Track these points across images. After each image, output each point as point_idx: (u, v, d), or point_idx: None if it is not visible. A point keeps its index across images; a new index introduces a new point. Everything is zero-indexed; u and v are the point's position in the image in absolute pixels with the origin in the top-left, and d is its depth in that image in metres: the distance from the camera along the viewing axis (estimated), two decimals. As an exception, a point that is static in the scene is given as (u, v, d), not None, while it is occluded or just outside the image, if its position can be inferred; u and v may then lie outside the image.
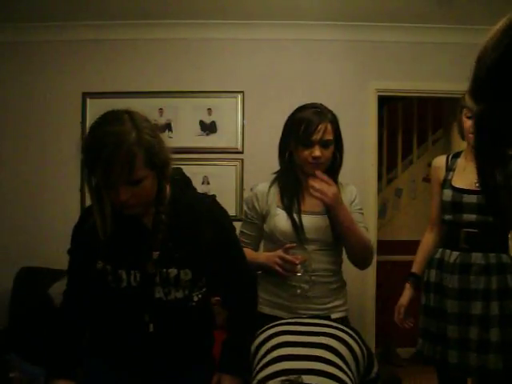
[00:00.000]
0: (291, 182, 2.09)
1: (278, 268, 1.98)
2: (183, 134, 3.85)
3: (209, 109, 3.86)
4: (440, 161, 2.47)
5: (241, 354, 1.68)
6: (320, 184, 1.94)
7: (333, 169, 2.09)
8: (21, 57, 3.82)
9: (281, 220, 2.06)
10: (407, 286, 2.47)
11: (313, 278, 2.02)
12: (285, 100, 3.80)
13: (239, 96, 3.85)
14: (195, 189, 1.73)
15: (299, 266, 1.97)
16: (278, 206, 2.09)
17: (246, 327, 1.72)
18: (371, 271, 3.76)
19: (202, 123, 3.86)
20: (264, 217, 2.11)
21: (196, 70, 3.85)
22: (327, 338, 1.65)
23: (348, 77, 3.85)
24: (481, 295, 2.20)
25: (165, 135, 3.83)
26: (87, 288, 1.62)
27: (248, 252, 2.16)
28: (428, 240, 2.50)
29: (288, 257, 1.96)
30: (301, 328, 1.72)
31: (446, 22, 3.70)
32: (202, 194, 1.80)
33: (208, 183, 3.85)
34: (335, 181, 2.10)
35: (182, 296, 1.58)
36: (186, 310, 1.60)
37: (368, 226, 2.22)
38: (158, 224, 1.55)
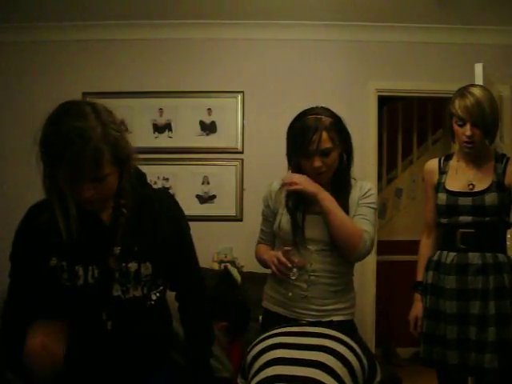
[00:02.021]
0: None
1: (273, 268, 1.98)
2: (183, 134, 3.85)
3: (209, 109, 3.86)
4: (432, 164, 2.44)
5: (202, 361, 1.70)
6: (289, 178, 1.97)
7: (340, 170, 2.06)
8: (21, 57, 3.82)
9: (284, 219, 2.07)
10: (417, 296, 2.42)
11: (312, 278, 2.00)
12: (285, 100, 3.81)
13: (239, 96, 3.85)
14: (150, 184, 1.68)
15: (294, 270, 1.94)
16: (284, 206, 2.11)
17: (201, 332, 1.71)
18: (371, 271, 3.76)
19: (202, 123, 3.86)
20: (275, 215, 2.13)
21: (196, 70, 3.85)
22: (324, 354, 1.57)
23: (348, 77, 3.85)
24: (479, 295, 2.20)
25: (165, 135, 3.84)
26: (35, 294, 1.50)
27: (260, 248, 2.21)
28: (427, 246, 2.46)
29: (283, 259, 1.93)
30: (298, 340, 1.66)
31: (446, 22, 3.71)
32: (158, 188, 1.75)
33: (208, 183, 3.85)
34: (347, 179, 2.08)
35: (141, 294, 1.51)
36: (144, 309, 1.54)
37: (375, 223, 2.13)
38: (117, 218, 1.49)
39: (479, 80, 2.86)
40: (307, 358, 1.56)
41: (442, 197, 2.31)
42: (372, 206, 2.10)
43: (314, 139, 1.93)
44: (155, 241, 1.54)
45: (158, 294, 1.58)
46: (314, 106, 2.08)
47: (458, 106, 2.22)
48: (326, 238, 2.01)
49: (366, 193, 2.10)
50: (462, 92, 2.25)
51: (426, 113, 5.41)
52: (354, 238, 1.98)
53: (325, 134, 1.95)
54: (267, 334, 1.72)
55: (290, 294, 2.00)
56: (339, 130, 2.01)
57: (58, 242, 1.43)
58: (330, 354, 1.57)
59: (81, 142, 1.31)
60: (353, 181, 2.11)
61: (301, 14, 3.69)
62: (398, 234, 5.00)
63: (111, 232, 1.49)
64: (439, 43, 3.80)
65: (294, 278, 1.96)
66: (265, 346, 1.65)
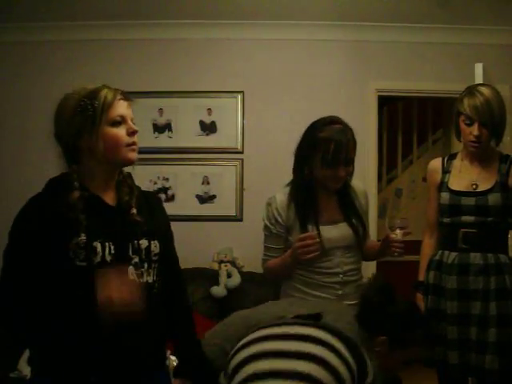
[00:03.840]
0: (309, 198, 2.12)
1: (299, 252, 2.00)
2: (183, 134, 3.85)
3: (209, 109, 3.86)
4: (436, 164, 2.44)
5: (197, 357, 1.71)
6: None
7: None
8: (21, 57, 3.82)
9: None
10: (419, 296, 2.42)
11: (344, 278, 2.10)
12: (285, 100, 3.81)
13: (239, 96, 3.85)
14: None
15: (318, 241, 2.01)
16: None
17: (192, 325, 1.74)
18: (371, 271, 3.76)
19: (202, 123, 3.86)
20: (288, 229, 2.13)
21: (196, 70, 3.85)
22: (309, 364, 1.49)
23: (348, 77, 3.85)
24: (480, 295, 2.20)
25: (165, 135, 3.85)
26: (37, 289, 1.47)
27: (273, 261, 2.18)
28: (430, 246, 2.47)
29: (304, 235, 2.01)
30: (281, 345, 1.57)
31: (446, 21, 3.71)
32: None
33: (208, 183, 3.85)
34: (349, 185, 2.18)
35: (152, 281, 1.57)
36: (151, 296, 1.57)
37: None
38: (131, 193, 1.58)
39: (479, 80, 2.86)
40: (291, 368, 1.49)
41: (445, 196, 2.31)
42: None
43: (346, 149, 2.01)
44: (156, 224, 1.63)
45: (157, 285, 1.61)
46: (327, 115, 2.12)
47: (466, 104, 2.20)
48: (348, 243, 2.12)
49: (368, 199, 2.28)
50: (471, 91, 2.23)
51: (426, 113, 5.42)
52: None
53: (352, 144, 2.04)
54: (249, 337, 1.64)
55: (340, 291, 2.09)
56: (355, 139, 2.10)
57: (80, 219, 1.46)
58: (316, 364, 1.49)
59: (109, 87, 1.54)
60: (352, 184, 2.21)
61: (301, 14, 3.69)
62: (398, 233, 4.99)
63: (125, 208, 1.56)
64: (439, 43, 3.80)
65: (318, 252, 2.02)
66: (247, 355, 1.57)
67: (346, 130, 2.04)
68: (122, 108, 1.53)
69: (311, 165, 2.07)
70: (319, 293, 2.09)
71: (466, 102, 2.21)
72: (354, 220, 2.13)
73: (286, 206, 2.12)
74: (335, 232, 2.11)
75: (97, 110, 1.48)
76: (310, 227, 2.07)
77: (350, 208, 2.15)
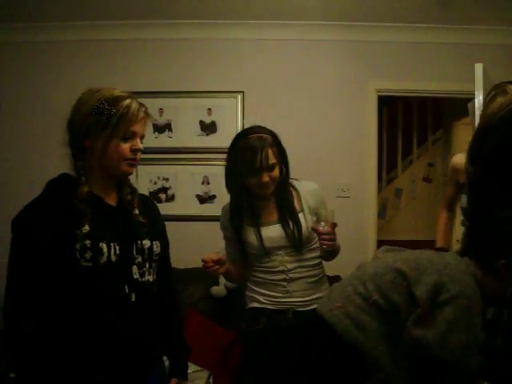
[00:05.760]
0: (243, 203, 2.25)
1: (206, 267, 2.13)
2: (183, 134, 3.85)
3: (209, 109, 3.86)
4: (462, 161, 2.37)
5: (186, 359, 1.79)
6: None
7: (281, 180, 2.20)
8: (21, 57, 3.82)
9: (246, 235, 2.21)
10: None
11: (290, 275, 2.18)
12: (285, 100, 3.81)
13: (239, 96, 3.85)
14: None
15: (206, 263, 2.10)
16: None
17: (181, 325, 1.84)
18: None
19: (202, 123, 3.86)
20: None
21: (196, 70, 3.85)
22: None
23: (348, 77, 3.85)
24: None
25: (165, 135, 3.85)
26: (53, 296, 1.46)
27: None
28: (446, 217, 2.51)
29: (205, 257, 2.12)
30: None
31: (446, 22, 3.71)
32: None
33: (208, 183, 3.85)
34: (286, 188, 2.23)
35: (152, 280, 1.61)
36: (151, 294, 1.62)
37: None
38: (133, 195, 1.62)
39: (479, 80, 2.85)
40: None
41: (465, 199, 2.27)
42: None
43: (262, 156, 2.09)
44: (155, 225, 1.68)
45: (155, 284, 1.65)
46: (250, 126, 2.22)
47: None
48: (283, 243, 2.17)
49: (320, 197, 2.25)
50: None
51: (426, 113, 5.42)
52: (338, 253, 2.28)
53: (270, 150, 2.11)
54: None
55: (288, 288, 2.16)
56: (278, 145, 2.17)
57: (88, 215, 1.48)
58: None
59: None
60: (295, 181, 2.26)
61: (301, 14, 3.69)
62: (398, 233, 5.00)
63: (127, 208, 1.59)
64: (439, 43, 3.81)
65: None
66: None
67: (261, 139, 2.11)
68: (138, 125, 1.52)
69: (239, 175, 2.18)
70: (268, 291, 2.20)
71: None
72: (289, 221, 2.18)
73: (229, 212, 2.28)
74: (272, 233, 2.19)
75: (112, 118, 1.48)
76: (251, 229, 2.18)
77: (285, 209, 2.20)
